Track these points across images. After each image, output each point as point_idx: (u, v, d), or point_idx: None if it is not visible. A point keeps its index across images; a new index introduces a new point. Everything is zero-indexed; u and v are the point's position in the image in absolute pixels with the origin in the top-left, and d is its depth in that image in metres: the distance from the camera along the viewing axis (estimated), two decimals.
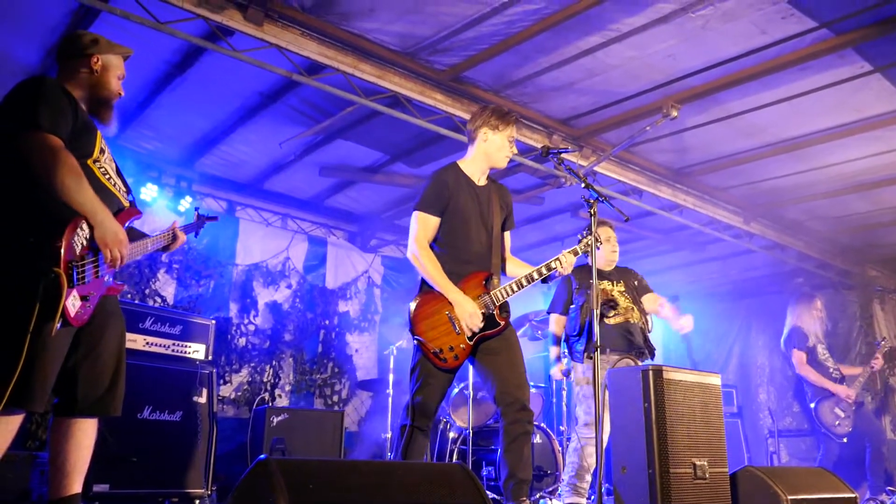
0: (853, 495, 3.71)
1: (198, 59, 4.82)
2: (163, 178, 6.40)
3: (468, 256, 3.43)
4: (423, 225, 3.42)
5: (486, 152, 3.55)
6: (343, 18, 4.45)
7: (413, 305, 3.36)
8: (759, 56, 4.66)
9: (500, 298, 3.37)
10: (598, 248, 3.49)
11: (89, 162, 2.61)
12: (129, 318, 4.82)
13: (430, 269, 3.35)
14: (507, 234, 3.68)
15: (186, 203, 6.40)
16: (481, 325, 3.31)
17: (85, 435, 2.69)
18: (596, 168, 5.97)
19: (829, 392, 6.00)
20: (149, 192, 6.18)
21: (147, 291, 6.37)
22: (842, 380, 6.11)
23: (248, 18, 4.24)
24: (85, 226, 2.47)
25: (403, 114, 5.09)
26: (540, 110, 5.55)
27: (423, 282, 3.44)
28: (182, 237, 3.20)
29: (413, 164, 6.43)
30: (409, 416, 3.31)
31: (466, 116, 5.27)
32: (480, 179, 3.58)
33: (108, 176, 2.71)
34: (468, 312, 3.29)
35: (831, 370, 6.14)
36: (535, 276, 3.45)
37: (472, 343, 3.33)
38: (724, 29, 4.38)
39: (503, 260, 3.62)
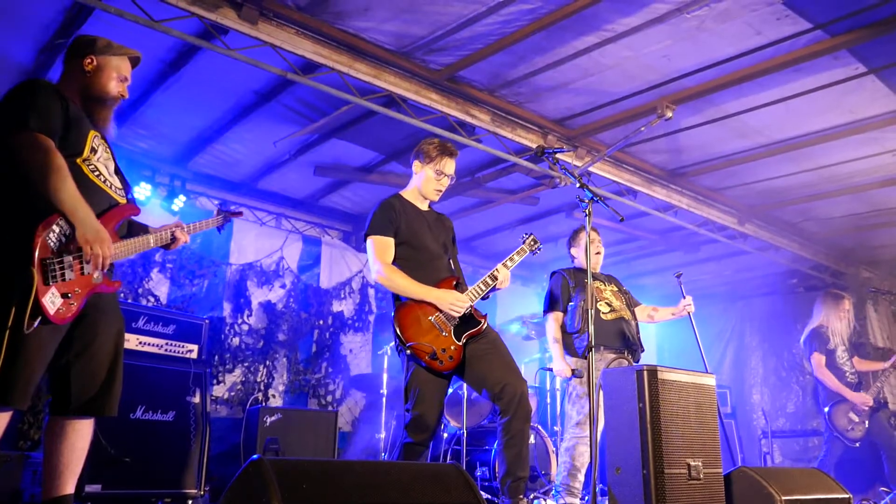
0: (847, 496, 3.72)
1: (192, 57, 4.80)
2: (156, 176, 6.37)
3: (432, 268, 3.50)
4: (379, 247, 3.47)
5: (418, 184, 3.66)
6: (338, 17, 4.44)
7: (396, 318, 3.38)
8: (753, 57, 4.66)
9: (473, 298, 3.44)
10: (539, 251, 3.83)
11: (79, 161, 2.62)
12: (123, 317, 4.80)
13: (401, 281, 3.40)
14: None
15: (180, 202, 6.37)
16: (466, 306, 3.37)
17: (79, 436, 2.68)
18: (591, 168, 5.98)
19: (844, 396, 5.98)
20: (142, 191, 6.16)
21: (140, 291, 6.34)
22: (858, 384, 6.09)
23: (242, 17, 4.22)
24: (63, 223, 2.48)
25: (398, 113, 5.08)
26: (535, 110, 5.55)
27: (395, 296, 3.48)
28: (183, 238, 3.10)
29: (408, 164, 6.40)
30: (408, 433, 3.31)
31: (461, 116, 5.27)
32: (422, 206, 3.68)
33: (97, 173, 2.71)
34: (450, 301, 3.36)
35: (847, 374, 6.08)
36: (490, 280, 3.54)
37: (461, 343, 3.36)
38: (719, 29, 4.38)
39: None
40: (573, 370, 4.61)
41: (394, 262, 3.48)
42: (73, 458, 2.66)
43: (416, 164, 3.68)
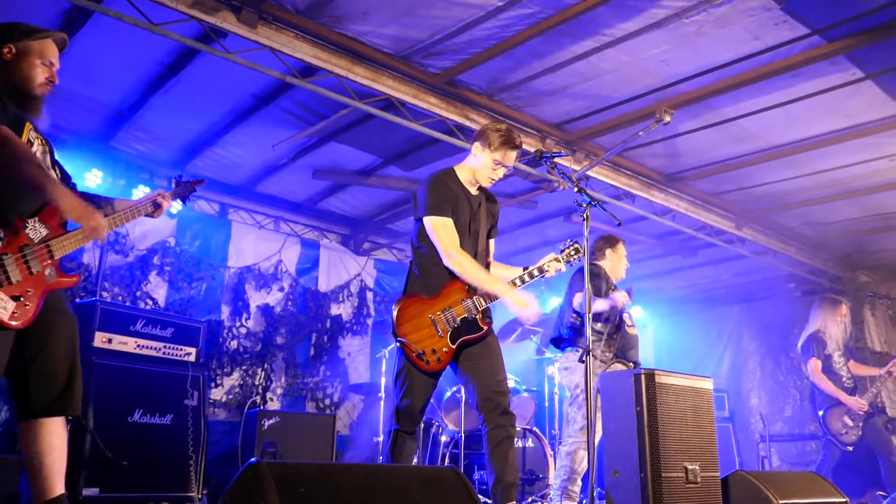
0: (843, 500, 3.73)
1: (191, 60, 4.80)
2: (155, 179, 6.36)
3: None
4: (444, 231, 3.34)
5: (473, 166, 3.54)
6: (337, 21, 4.45)
7: (397, 308, 3.36)
8: (751, 62, 4.68)
9: (483, 303, 3.38)
10: (577, 261, 3.65)
11: None
12: (121, 320, 4.81)
13: (479, 274, 3.33)
14: (491, 242, 3.71)
15: (178, 205, 6.34)
16: (534, 317, 3.38)
17: (55, 435, 2.63)
18: (589, 172, 5.99)
19: (840, 400, 5.99)
20: (141, 195, 6.14)
21: (138, 294, 6.33)
22: (854, 389, 6.09)
23: (241, 20, 4.23)
24: None
25: (397, 117, 5.08)
26: (533, 114, 5.56)
27: (407, 285, 3.46)
28: (166, 204, 3.03)
29: (406, 167, 6.43)
30: (396, 420, 3.36)
31: (460, 120, 5.28)
32: (472, 189, 3.57)
33: None
34: (527, 303, 3.34)
35: (844, 379, 6.09)
36: (519, 283, 3.49)
37: (454, 347, 3.34)
38: (717, 34, 4.40)
39: (488, 266, 3.63)
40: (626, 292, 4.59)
41: (420, 250, 3.43)
42: (54, 458, 2.62)
43: (476, 146, 3.53)
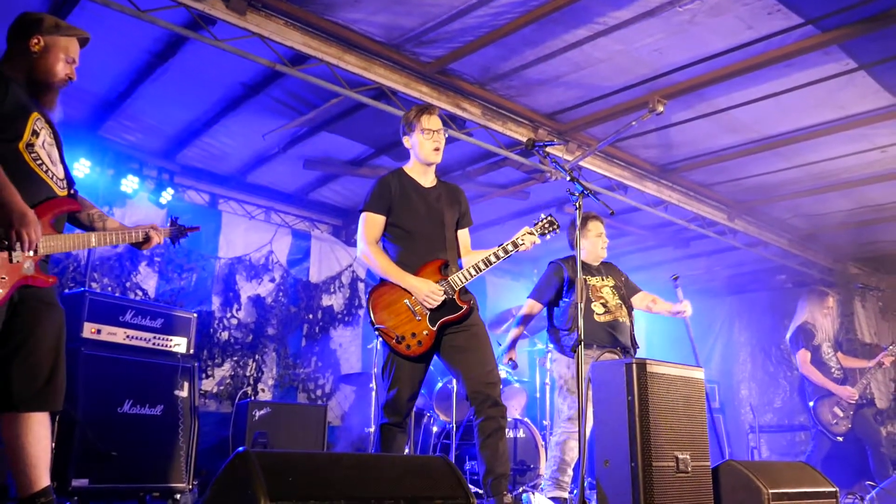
0: (833, 489, 3.74)
1: (180, 48, 4.76)
2: (144, 169, 6.30)
3: (423, 249, 3.47)
4: (368, 224, 3.51)
5: (415, 155, 3.62)
6: (327, 8, 4.41)
7: (371, 297, 3.41)
8: (744, 52, 4.66)
9: (459, 283, 3.39)
10: (553, 235, 3.62)
11: (20, 146, 2.55)
12: (110, 311, 4.76)
13: (381, 262, 3.42)
14: (465, 232, 3.71)
15: (168, 195, 6.31)
16: (440, 300, 3.32)
17: (42, 427, 2.61)
18: (581, 163, 5.97)
19: (830, 391, 6.02)
20: (130, 184, 6.10)
21: (128, 284, 6.29)
22: (844, 380, 6.12)
23: (230, 7, 4.18)
24: None
25: (389, 106, 5.05)
26: (526, 104, 5.54)
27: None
28: (157, 239, 3.06)
29: (398, 157, 6.40)
30: (384, 414, 3.37)
31: (452, 109, 5.25)
32: (426, 181, 3.62)
33: (39, 162, 2.63)
34: (425, 293, 3.32)
35: (833, 370, 6.12)
36: (493, 258, 3.45)
37: (435, 329, 3.34)
38: (710, 23, 4.38)
39: (459, 255, 3.64)
40: (510, 360, 4.81)
41: (385, 241, 3.52)
42: (40, 449, 2.60)
43: (406, 140, 3.64)
